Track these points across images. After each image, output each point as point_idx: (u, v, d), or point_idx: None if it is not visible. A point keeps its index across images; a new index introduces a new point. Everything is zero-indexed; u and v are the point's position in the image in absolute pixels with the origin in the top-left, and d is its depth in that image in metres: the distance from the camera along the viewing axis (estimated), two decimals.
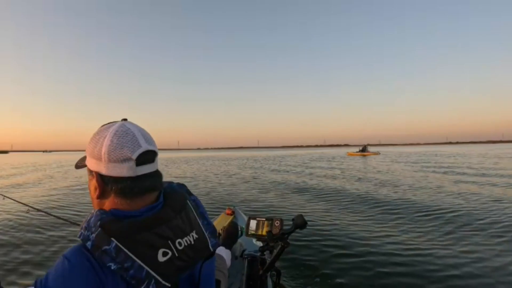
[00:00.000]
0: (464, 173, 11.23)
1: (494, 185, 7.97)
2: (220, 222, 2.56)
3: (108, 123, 0.61)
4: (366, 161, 23.03)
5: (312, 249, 3.23)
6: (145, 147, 0.56)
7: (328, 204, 5.84)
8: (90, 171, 0.59)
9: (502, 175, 10.32)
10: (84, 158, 0.64)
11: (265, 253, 1.51)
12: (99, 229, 0.49)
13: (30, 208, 2.57)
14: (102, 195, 0.56)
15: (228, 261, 1.44)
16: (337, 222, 4.40)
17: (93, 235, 0.49)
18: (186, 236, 0.57)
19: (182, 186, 0.68)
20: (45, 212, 2.61)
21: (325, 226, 4.18)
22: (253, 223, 1.54)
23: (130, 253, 0.48)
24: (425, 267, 2.76)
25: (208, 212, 0.71)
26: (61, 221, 2.72)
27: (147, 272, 0.49)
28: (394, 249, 3.19)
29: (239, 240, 1.82)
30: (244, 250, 1.70)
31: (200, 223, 0.62)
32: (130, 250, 0.49)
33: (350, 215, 4.87)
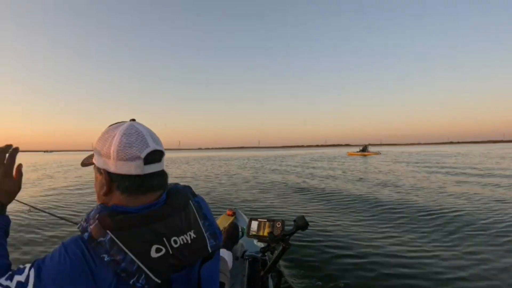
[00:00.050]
0: (466, 173, 11.18)
1: (496, 185, 7.93)
2: (221, 223, 2.55)
3: (117, 123, 0.63)
4: (366, 161, 22.99)
5: (313, 250, 3.21)
6: (153, 146, 0.58)
7: (329, 205, 5.82)
8: (98, 169, 0.60)
9: (505, 175, 10.27)
10: (90, 156, 0.66)
11: (266, 254, 1.51)
12: (96, 221, 0.51)
13: (31, 208, 2.58)
14: (109, 192, 0.58)
15: (230, 263, 1.43)
16: (339, 223, 4.38)
17: (91, 226, 0.51)
18: (182, 235, 0.56)
19: (187, 187, 0.69)
20: (46, 212, 2.62)
21: (326, 227, 4.16)
22: (254, 224, 1.54)
23: (123, 247, 0.49)
24: (429, 268, 2.73)
25: None
26: (61, 220, 2.72)
27: (138, 266, 0.50)
28: (397, 250, 3.16)
29: (240, 241, 1.81)
30: (245, 251, 1.69)
31: (201, 224, 0.62)
32: (124, 244, 0.50)
33: (352, 215, 4.85)
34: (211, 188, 8.83)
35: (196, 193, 0.71)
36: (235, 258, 1.58)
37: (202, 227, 0.62)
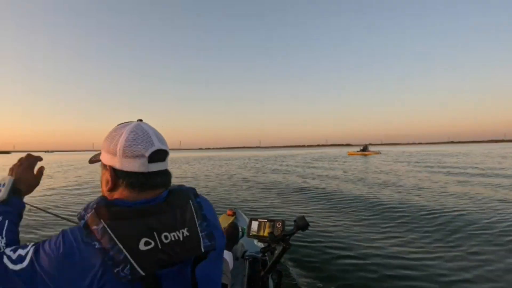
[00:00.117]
0: (467, 173, 11.15)
1: (498, 184, 7.90)
2: (221, 223, 2.54)
3: (124, 122, 0.66)
4: (367, 160, 22.97)
5: (314, 251, 3.20)
6: (157, 146, 0.61)
7: (330, 205, 5.81)
8: (104, 165, 0.63)
9: (507, 174, 10.23)
10: (98, 154, 0.69)
11: (266, 254, 1.50)
12: (93, 210, 0.54)
13: (31, 207, 2.59)
14: (113, 188, 0.60)
15: (231, 263, 1.43)
16: (340, 223, 4.36)
17: (88, 215, 0.54)
18: (174, 231, 0.57)
19: (190, 188, 0.70)
20: (47, 212, 2.62)
21: (327, 227, 4.14)
22: (254, 224, 1.53)
23: (114, 236, 0.51)
24: (431, 270, 2.69)
25: None
26: (61, 220, 2.72)
27: (125, 256, 0.51)
28: (398, 251, 3.13)
29: (241, 241, 1.81)
30: (245, 251, 1.69)
31: (197, 223, 0.62)
32: (114, 233, 0.52)
33: (353, 216, 4.83)
34: (211, 188, 8.82)
35: (199, 194, 0.72)
36: (235, 258, 1.58)
37: (198, 226, 0.61)
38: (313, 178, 10.76)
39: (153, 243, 0.54)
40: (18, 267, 0.55)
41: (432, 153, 35.82)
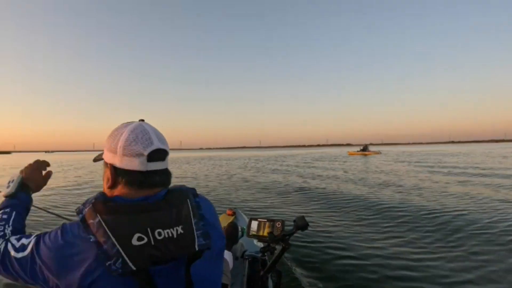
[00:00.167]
0: (468, 173, 11.13)
1: (500, 184, 7.88)
2: (221, 223, 2.55)
3: (127, 122, 0.68)
4: (367, 160, 22.96)
5: (314, 251, 3.19)
6: (157, 145, 0.63)
7: (330, 205, 5.80)
8: (106, 163, 0.66)
9: (508, 174, 10.21)
10: (102, 153, 0.71)
11: (266, 254, 1.50)
12: (90, 205, 0.56)
13: (31, 207, 2.60)
14: (113, 186, 0.63)
15: (230, 263, 1.43)
16: (340, 223, 4.36)
17: (85, 209, 0.56)
18: (168, 229, 0.57)
19: (190, 189, 0.70)
20: (47, 211, 2.63)
21: (327, 227, 4.14)
22: (254, 224, 1.53)
23: (108, 230, 0.53)
24: (433, 271, 2.66)
25: None
26: (62, 220, 2.72)
27: (118, 250, 0.52)
28: (399, 252, 3.11)
29: (240, 241, 1.81)
30: (245, 251, 1.69)
31: (194, 222, 0.62)
32: (108, 227, 0.53)
33: (353, 216, 4.82)
34: (211, 188, 8.82)
35: (199, 194, 0.73)
36: (235, 258, 1.58)
37: (193, 225, 0.61)
38: (313, 178, 10.76)
39: (146, 239, 0.54)
40: (19, 255, 0.58)
41: (433, 153, 35.79)
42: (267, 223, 1.50)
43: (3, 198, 0.77)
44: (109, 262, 0.52)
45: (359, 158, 28.06)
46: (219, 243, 0.70)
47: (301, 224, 1.24)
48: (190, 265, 0.60)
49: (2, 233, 0.66)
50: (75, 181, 11.26)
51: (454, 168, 13.23)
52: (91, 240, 0.53)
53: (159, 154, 0.63)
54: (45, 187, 0.93)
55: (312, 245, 3.35)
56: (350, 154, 38.36)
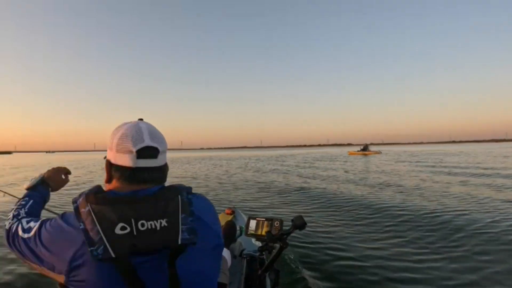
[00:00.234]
0: (470, 173, 11.07)
1: (502, 184, 7.84)
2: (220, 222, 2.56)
3: (127, 122, 0.73)
4: (367, 160, 22.92)
5: (312, 250, 3.18)
6: (147, 143, 0.66)
7: (329, 205, 5.78)
8: (105, 159, 0.71)
9: (510, 174, 10.16)
10: None
11: (264, 253, 1.51)
12: (84, 196, 0.61)
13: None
14: (109, 180, 0.68)
15: (229, 261, 1.44)
16: (339, 223, 4.34)
17: (79, 199, 0.61)
18: (152, 220, 0.59)
19: (185, 187, 0.71)
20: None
21: (326, 227, 4.12)
22: (252, 223, 1.54)
23: (95, 218, 0.57)
24: (434, 271, 2.62)
25: None
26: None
27: (101, 237, 0.56)
28: (399, 252, 3.08)
29: (239, 240, 1.82)
30: (243, 250, 1.70)
31: (180, 217, 0.63)
32: (95, 216, 0.58)
33: (353, 216, 4.80)
34: (211, 188, 8.82)
35: (199, 193, 0.76)
36: (233, 256, 1.59)
37: (180, 219, 0.62)
38: (313, 178, 10.75)
39: (128, 229, 0.57)
40: (25, 235, 0.65)
41: (434, 152, 35.70)
42: (266, 222, 1.51)
43: (26, 191, 0.89)
44: (92, 248, 0.55)
45: (360, 158, 28.01)
46: (213, 241, 0.70)
47: (299, 224, 1.25)
48: (174, 259, 0.61)
49: (17, 214, 0.76)
50: (74, 181, 11.27)
51: (455, 168, 13.17)
52: (81, 227, 0.58)
53: (149, 152, 0.66)
54: None
55: (311, 245, 3.33)
56: (350, 154, 38.31)
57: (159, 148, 0.68)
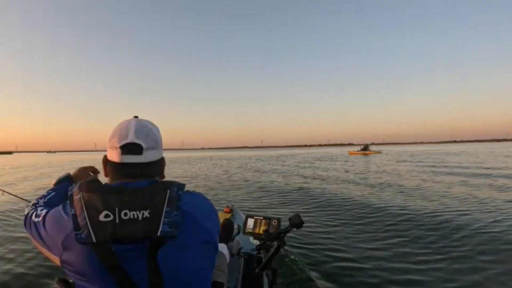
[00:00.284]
0: (472, 173, 11.04)
1: (505, 184, 7.80)
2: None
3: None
4: (367, 160, 22.87)
5: (310, 250, 3.16)
6: (130, 139, 0.70)
7: (329, 205, 5.76)
8: None
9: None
10: None
11: (261, 251, 1.50)
12: (79, 184, 0.66)
13: (28, 203, 2.63)
14: (106, 174, 0.75)
15: (228, 258, 1.44)
16: (338, 223, 4.31)
17: (75, 188, 0.66)
18: (134, 211, 0.62)
19: (178, 183, 0.72)
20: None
21: (325, 227, 4.09)
22: (250, 222, 1.53)
23: (83, 205, 0.62)
24: (436, 273, 2.58)
25: None
26: None
27: (86, 223, 0.60)
28: (399, 253, 3.04)
29: (237, 238, 1.81)
30: (241, 248, 1.69)
31: (165, 210, 0.63)
32: (84, 203, 0.62)
33: (352, 216, 4.76)
34: (210, 187, 8.83)
35: (198, 191, 0.78)
36: (231, 255, 1.58)
37: (163, 212, 0.63)
38: (313, 178, 10.73)
39: (111, 217, 0.60)
40: (35, 220, 0.73)
41: (434, 152, 35.62)
42: (263, 221, 1.50)
43: (53, 187, 0.97)
44: (77, 232, 0.60)
45: (360, 157, 27.98)
46: (201, 237, 0.70)
47: (296, 222, 1.24)
48: (155, 250, 0.63)
49: (36, 202, 0.85)
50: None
51: (456, 168, 13.14)
52: (72, 213, 0.62)
53: (133, 148, 0.70)
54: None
55: (309, 244, 3.32)
56: (351, 153, 38.29)
57: (143, 145, 0.71)
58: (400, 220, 4.28)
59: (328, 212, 5.05)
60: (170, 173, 13.97)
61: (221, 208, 2.94)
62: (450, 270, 2.63)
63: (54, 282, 0.77)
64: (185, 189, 0.73)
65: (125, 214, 0.61)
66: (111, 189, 0.64)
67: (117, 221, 0.60)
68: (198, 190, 0.76)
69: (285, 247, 1.27)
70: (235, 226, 1.85)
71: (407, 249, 3.13)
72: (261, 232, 1.46)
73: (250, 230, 1.51)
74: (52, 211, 0.72)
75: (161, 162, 0.79)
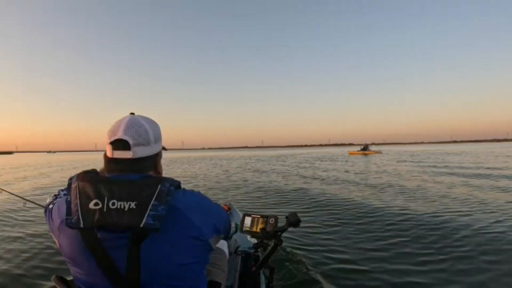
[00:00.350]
0: (474, 173, 11.02)
1: (507, 185, 7.76)
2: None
3: None
4: (367, 160, 22.84)
5: (307, 249, 3.14)
6: (119, 136, 0.73)
7: (327, 204, 5.74)
8: None
9: None
10: None
11: (259, 250, 1.49)
12: (77, 174, 0.73)
13: (26, 202, 2.68)
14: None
15: (227, 254, 1.43)
16: (337, 223, 4.28)
17: (74, 177, 0.72)
18: (122, 201, 0.65)
19: (172, 180, 0.74)
20: (40, 206, 2.66)
21: (325, 227, 4.07)
22: (248, 220, 1.52)
23: (78, 193, 0.67)
24: (438, 274, 2.56)
25: None
26: None
27: (77, 209, 0.65)
28: (399, 254, 3.01)
29: (234, 237, 1.80)
30: (238, 247, 1.68)
31: (152, 203, 0.65)
32: (79, 191, 0.68)
33: (351, 216, 4.73)
34: (210, 186, 8.83)
35: (197, 190, 0.81)
36: (228, 253, 1.57)
37: (150, 205, 0.65)
38: (313, 178, 10.71)
39: (100, 205, 0.65)
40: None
41: (435, 152, 35.57)
42: (261, 219, 1.49)
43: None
44: (68, 217, 0.66)
45: (359, 158, 27.95)
46: (189, 232, 0.70)
47: (293, 221, 1.22)
48: (138, 242, 0.65)
49: (57, 194, 0.92)
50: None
51: (457, 168, 13.11)
52: (68, 199, 0.69)
53: (121, 144, 0.73)
54: (43, 186, 1.01)
55: (308, 244, 3.30)
56: (351, 153, 38.23)
57: (130, 141, 0.73)
58: (400, 220, 4.24)
59: (328, 212, 5.02)
60: (170, 173, 13.96)
61: None
62: (452, 271, 2.59)
63: (51, 279, 0.78)
64: (185, 188, 0.76)
65: (113, 204, 0.64)
66: (103, 180, 0.69)
67: (104, 209, 0.64)
68: (197, 189, 0.77)
69: (283, 246, 1.26)
70: (233, 225, 1.83)
71: (408, 250, 3.10)
72: (258, 230, 1.45)
73: (248, 229, 1.49)
74: (60, 199, 0.79)
75: (153, 158, 0.80)
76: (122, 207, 0.64)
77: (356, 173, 11.97)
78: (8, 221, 4.51)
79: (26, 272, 2.68)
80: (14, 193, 3.01)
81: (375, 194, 6.68)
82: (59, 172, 16.11)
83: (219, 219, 0.82)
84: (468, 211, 4.75)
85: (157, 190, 0.67)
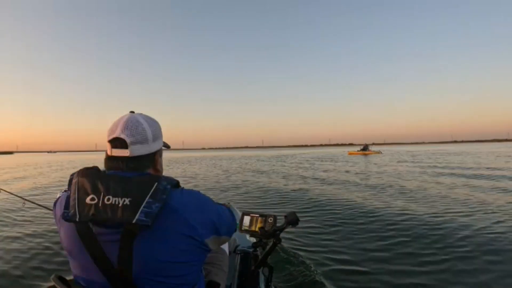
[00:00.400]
0: (474, 173, 11.00)
1: (508, 185, 7.73)
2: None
3: None
4: (367, 160, 22.80)
5: (306, 248, 3.13)
6: (117, 134, 0.75)
7: (327, 204, 5.72)
8: None
9: None
10: None
11: (258, 249, 1.48)
12: (78, 171, 0.74)
13: (25, 202, 2.68)
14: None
15: (227, 253, 1.42)
16: (336, 223, 4.27)
17: (76, 173, 0.74)
18: (117, 197, 0.67)
19: (170, 179, 0.74)
20: (43, 207, 2.66)
21: (323, 227, 4.07)
22: (246, 219, 1.51)
23: (76, 187, 0.70)
24: (439, 274, 2.53)
25: None
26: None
27: (75, 203, 0.68)
28: (399, 255, 3.00)
29: (233, 236, 1.79)
30: (237, 246, 1.67)
31: (146, 200, 0.66)
32: (78, 186, 0.70)
33: (349, 216, 4.72)
34: (209, 186, 8.84)
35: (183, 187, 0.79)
36: (228, 252, 1.56)
37: (144, 202, 0.66)
38: (313, 178, 10.70)
39: (96, 200, 0.67)
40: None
41: (435, 152, 35.50)
42: (260, 218, 1.48)
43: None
44: (66, 211, 0.68)
45: (359, 158, 27.91)
46: (182, 229, 0.70)
47: (292, 220, 1.22)
48: (131, 238, 0.65)
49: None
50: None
51: (458, 168, 13.08)
52: (68, 194, 0.71)
53: (118, 143, 0.75)
54: (42, 185, 1.01)
55: (307, 244, 3.29)
56: (350, 153, 38.16)
57: (127, 140, 0.74)
58: (401, 221, 4.22)
59: (328, 212, 5.00)
60: (170, 173, 13.95)
61: None
62: (453, 271, 2.57)
63: (51, 279, 0.78)
64: (184, 187, 0.76)
65: (108, 200, 0.66)
66: (101, 176, 0.71)
67: (99, 204, 0.66)
68: (197, 189, 0.78)
69: (283, 246, 1.25)
70: None
71: (408, 250, 3.08)
72: (257, 229, 1.44)
73: (246, 228, 1.48)
74: (65, 193, 0.79)
75: (152, 157, 0.80)
76: (117, 203, 0.66)
77: (357, 173, 11.95)
78: (7, 221, 4.50)
79: (25, 272, 2.67)
80: (13, 192, 3.01)
81: (375, 195, 6.67)
82: (59, 172, 16.14)
83: (220, 220, 0.81)
84: (469, 211, 4.72)
85: (153, 188, 0.68)
